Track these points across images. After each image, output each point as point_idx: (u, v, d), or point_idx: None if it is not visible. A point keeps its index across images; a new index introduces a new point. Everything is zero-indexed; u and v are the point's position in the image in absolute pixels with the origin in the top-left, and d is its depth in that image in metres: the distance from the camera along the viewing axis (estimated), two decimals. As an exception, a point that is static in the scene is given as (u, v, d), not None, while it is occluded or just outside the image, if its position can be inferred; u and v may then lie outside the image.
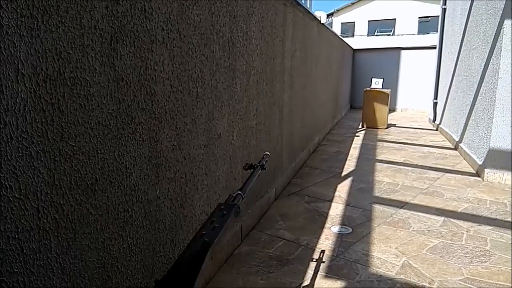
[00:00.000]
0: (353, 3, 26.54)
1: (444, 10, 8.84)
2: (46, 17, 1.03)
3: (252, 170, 1.14)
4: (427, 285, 2.30)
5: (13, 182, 0.99)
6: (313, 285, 2.28)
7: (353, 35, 26.10)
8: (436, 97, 9.00)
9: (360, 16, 26.07)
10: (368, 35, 26.07)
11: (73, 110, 1.16)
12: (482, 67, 5.14)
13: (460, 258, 2.62)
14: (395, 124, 9.41)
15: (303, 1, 4.62)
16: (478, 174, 4.78)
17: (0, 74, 0.92)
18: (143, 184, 1.56)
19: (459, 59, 6.84)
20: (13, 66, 0.96)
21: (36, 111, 1.03)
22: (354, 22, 26.42)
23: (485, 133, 4.74)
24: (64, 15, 1.09)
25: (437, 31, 9.33)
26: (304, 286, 2.27)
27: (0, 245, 0.97)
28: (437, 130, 8.46)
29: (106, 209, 1.35)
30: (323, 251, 2.69)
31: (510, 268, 2.49)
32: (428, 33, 22.42)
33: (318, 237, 2.93)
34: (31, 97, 1.01)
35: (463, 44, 6.59)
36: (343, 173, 4.82)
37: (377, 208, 3.57)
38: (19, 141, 0.99)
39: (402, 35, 24.30)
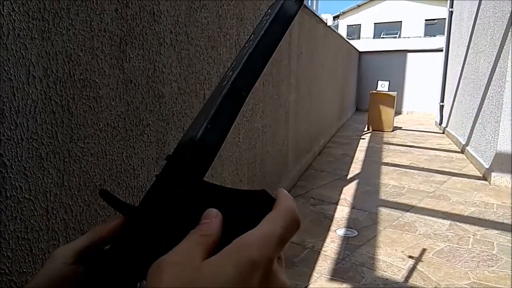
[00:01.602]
0: (359, 6, 26.50)
1: (451, 13, 8.80)
2: (57, 20, 1.05)
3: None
4: (434, 289, 2.29)
5: (23, 183, 1.00)
6: (319, 288, 2.28)
7: (359, 38, 26.05)
8: (442, 100, 8.95)
9: (366, 19, 26.01)
10: (374, 37, 26.01)
11: (82, 112, 1.17)
12: (490, 70, 5.11)
13: (466, 262, 2.61)
14: (401, 127, 9.37)
15: (309, 4, 4.63)
16: (484, 177, 4.75)
17: (12, 76, 0.94)
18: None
19: (466, 62, 6.81)
20: (25, 68, 0.97)
21: (46, 112, 1.04)
22: (360, 24, 26.37)
23: (492, 137, 4.71)
24: (75, 18, 1.11)
25: (443, 33, 9.30)
26: (309, 289, 2.27)
27: (10, 245, 0.98)
28: (443, 133, 8.42)
29: (113, 210, 1.36)
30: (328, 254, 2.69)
31: (518, 273, 2.47)
32: (434, 36, 22.33)
33: (324, 240, 2.93)
34: (41, 99, 1.02)
35: (470, 47, 6.55)
36: (349, 176, 4.81)
37: (383, 211, 3.56)
38: (29, 142, 1.00)
39: (409, 37, 24.20)
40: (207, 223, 0.28)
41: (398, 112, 11.97)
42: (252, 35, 0.46)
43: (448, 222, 3.31)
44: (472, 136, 5.77)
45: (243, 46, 0.46)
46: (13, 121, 0.95)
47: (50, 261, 0.35)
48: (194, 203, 0.34)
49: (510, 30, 4.33)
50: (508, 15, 4.44)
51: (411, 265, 2.55)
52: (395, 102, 8.57)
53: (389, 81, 8.94)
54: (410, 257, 2.65)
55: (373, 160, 5.69)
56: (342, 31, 25.59)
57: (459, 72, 7.34)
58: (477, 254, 2.72)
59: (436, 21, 23.09)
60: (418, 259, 2.61)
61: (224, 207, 0.32)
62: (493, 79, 4.93)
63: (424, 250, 2.76)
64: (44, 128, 1.04)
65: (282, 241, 0.27)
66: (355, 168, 5.22)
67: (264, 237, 0.26)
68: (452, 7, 8.78)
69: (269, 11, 0.46)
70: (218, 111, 0.39)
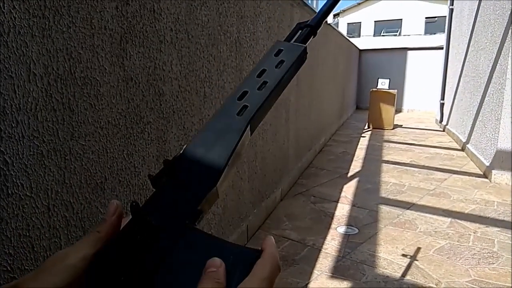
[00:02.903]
0: (359, 4, 26.46)
1: (451, 11, 8.79)
2: (57, 17, 1.05)
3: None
4: (434, 286, 2.29)
5: (25, 181, 1.00)
6: (320, 285, 2.28)
7: (359, 36, 26.02)
8: (443, 97, 8.95)
9: (366, 17, 25.98)
10: (374, 35, 25.98)
11: (83, 110, 1.17)
12: (490, 67, 5.10)
13: (467, 259, 2.61)
14: (402, 125, 9.37)
15: (309, 2, 4.63)
16: (485, 175, 4.75)
17: (12, 73, 0.94)
18: (151, 183, 1.56)
19: (467, 60, 6.80)
20: (25, 66, 0.97)
21: (47, 110, 1.04)
22: (360, 22, 26.33)
23: (492, 134, 4.71)
24: (75, 16, 1.11)
25: (444, 31, 9.29)
26: (310, 287, 2.28)
27: (12, 242, 0.98)
28: (444, 131, 8.41)
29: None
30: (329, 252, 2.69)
31: (518, 270, 2.48)
32: (435, 34, 22.29)
33: (324, 238, 2.93)
34: (42, 96, 1.02)
35: (471, 44, 6.55)
36: (349, 174, 4.81)
37: (384, 209, 3.56)
38: (30, 140, 1.00)
39: (409, 35, 24.17)
40: (215, 271, 0.32)
41: (398, 110, 11.97)
42: (265, 69, 0.50)
43: (449, 219, 3.31)
44: (473, 134, 5.77)
45: (253, 75, 0.50)
46: (14, 119, 0.95)
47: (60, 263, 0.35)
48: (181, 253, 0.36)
49: (511, 27, 4.32)
50: (509, 13, 4.43)
51: (412, 263, 2.55)
52: (395, 100, 8.56)
53: (390, 79, 8.93)
54: (403, 255, 2.66)
55: (374, 158, 5.69)
56: (343, 29, 25.57)
57: (460, 70, 7.33)
58: (478, 251, 2.73)
59: (436, 19, 23.05)
60: (413, 258, 2.62)
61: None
62: (493, 76, 4.93)
63: (419, 248, 2.77)
64: (45, 126, 1.04)
65: (271, 283, 0.33)
66: (356, 166, 5.22)
67: (260, 280, 0.32)
68: (452, 5, 8.76)
69: (283, 50, 0.52)
70: (228, 162, 0.42)
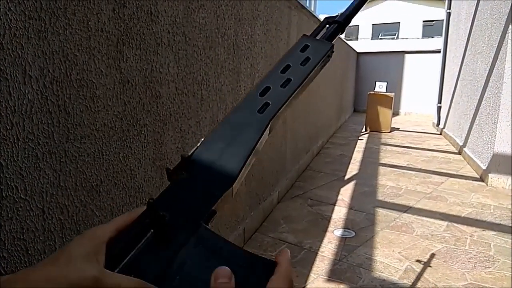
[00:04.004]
0: (357, 7, 26.48)
1: (448, 14, 8.82)
2: (53, 19, 1.04)
3: None
4: (431, 290, 2.29)
5: (19, 183, 0.99)
6: (316, 288, 2.28)
7: (357, 39, 26.08)
8: (440, 101, 8.97)
9: (364, 20, 26.05)
10: (372, 38, 26.05)
11: (79, 112, 1.16)
12: (487, 71, 5.12)
13: (463, 263, 2.61)
14: (399, 128, 9.39)
15: (307, 4, 4.64)
16: (482, 179, 4.76)
17: (8, 75, 0.93)
18: (148, 186, 1.56)
19: (464, 63, 6.83)
20: (21, 68, 0.96)
21: (42, 112, 1.04)
22: (358, 25, 26.41)
23: (489, 138, 4.72)
24: (72, 18, 1.10)
25: (441, 35, 9.32)
26: (306, 290, 2.27)
27: (6, 245, 0.98)
28: (441, 134, 8.44)
29: (110, 210, 1.36)
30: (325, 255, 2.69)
31: (514, 274, 2.48)
32: (432, 37, 22.38)
33: (321, 241, 2.93)
34: (38, 98, 1.02)
35: (468, 48, 6.57)
36: (347, 177, 4.81)
37: (381, 212, 3.56)
38: (25, 142, 1.00)
39: (407, 38, 24.26)
40: (227, 283, 0.32)
41: (395, 113, 12.01)
42: (290, 64, 0.48)
43: (446, 223, 3.32)
44: (470, 137, 5.79)
45: (277, 70, 0.48)
46: (9, 121, 0.95)
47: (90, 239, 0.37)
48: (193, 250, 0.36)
49: (508, 31, 4.34)
50: (506, 17, 4.45)
51: (408, 266, 2.55)
52: (392, 103, 8.58)
53: (387, 82, 8.96)
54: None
55: (371, 161, 5.70)
56: (340, 32, 25.56)
57: (457, 74, 7.35)
58: (474, 255, 2.73)
59: (434, 22, 23.16)
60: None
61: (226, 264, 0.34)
62: (490, 80, 4.95)
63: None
64: (40, 128, 1.04)
65: None
66: (353, 169, 5.22)
67: None
68: (450, 9, 8.80)
69: (309, 46, 0.50)
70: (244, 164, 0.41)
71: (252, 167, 0.43)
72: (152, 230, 0.37)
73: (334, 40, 0.53)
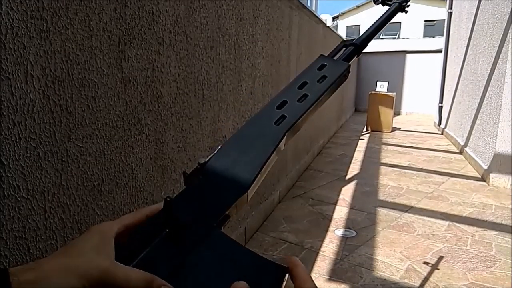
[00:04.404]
0: (358, 6, 26.51)
1: (450, 14, 8.81)
2: (55, 19, 1.05)
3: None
4: (432, 289, 2.29)
5: (21, 182, 1.00)
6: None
7: (358, 38, 25.99)
8: (441, 101, 8.96)
9: (365, 19, 25.99)
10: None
11: (80, 111, 1.17)
12: (488, 71, 5.11)
13: (465, 263, 2.61)
14: (400, 128, 9.38)
15: (308, 4, 4.64)
16: (483, 178, 4.75)
17: (10, 75, 0.93)
18: (149, 185, 1.56)
19: (465, 63, 6.82)
20: (23, 67, 0.97)
21: (44, 112, 1.04)
22: (359, 25, 26.37)
23: (490, 138, 4.71)
24: (73, 17, 1.10)
25: (443, 34, 9.31)
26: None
27: (8, 244, 0.98)
28: (442, 134, 8.43)
29: (112, 209, 1.36)
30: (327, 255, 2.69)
31: (516, 273, 2.48)
32: (433, 37, 22.34)
33: (322, 240, 2.93)
34: (39, 98, 1.02)
35: (469, 48, 6.56)
36: (348, 176, 4.81)
37: (382, 211, 3.56)
38: (27, 141, 1.00)
39: (408, 38, 24.21)
40: None
41: (397, 113, 11.98)
42: (306, 81, 0.50)
43: (447, 223, 3.32)
44: (471, 137, 5.78)
45: (294, 86, 0.50)
46: (11, 120, 0.95)
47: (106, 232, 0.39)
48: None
49: (509, 31, 4.34)
50: (507, 16, 4.44)
51: (409, 266, 2.55)
52: (394, 103, 8.57)
53: (388, 82, 8.94)
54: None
55: (372, 161, 5.69)
56: (342, 32, 25.60)
57: (458, 73, 7.34)
58: (476, 255, 2.73)
59: (435, 22, 23.12)
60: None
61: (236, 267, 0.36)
62: (492, 80, 4.94)
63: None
64: (42, 127, 1.04)
65: None
66: (354, 168, 5.22)
67: None
68: (451, 8, 8.79)
69: (326, 66, 0.52)
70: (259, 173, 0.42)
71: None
72: (166, 230, 0.37)
73: (351, 61, 0.56)
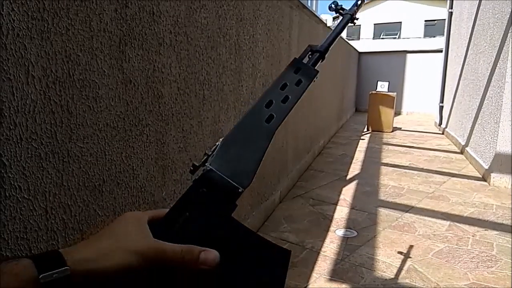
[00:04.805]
0: (359, 6, 26.44)
1: (450, 14, 8.81)
2: (56, 19, 1.05)
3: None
4: (433, 289, 2.29)
5: (22, 183, 1.00)
6: (318, 288, 2.28)
7: (358, 38, 26.05)
8: (442, 100, 8.96)
9: (366, 19, 26.01)
10: (374, 38, 26.02)
11: (81, 112, 1.17)
12: (489, 71, 5.11)
13: (466, 263, 2.61)
14: (401, 128, 9.37)
15: (309, 4, 4.63)
16: (484, 178, 4.75)
17: (11, 76, 0.94)
18: (150, 185, 1.57)
19: (466, 63, 6.81)
20: (24, 68, 0.97)
21: (45, 112, 1.04)
22: (360, 25, 26.37)
23: (491, 137, 4.71)
24: (74, 18, 1.11)
25: (443, 34, 9.31)
26: (308, 289, 2.27)
27: (9, 244, 0.98)
28: (443, 133, 8.42)
29: (113, 210, 1.36)
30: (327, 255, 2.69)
31: (517, 273, 2.47)
32: (434, 37, 22.36)
33: (323, 240, 2.93)
34: (40, 98, 1.02)
35: (470, 47, 6.56)
36: (348, 176, 4.81)
37: (383, 211, 3.56)
38: (28, 142, 1.00)
39: (408, 38, 24.22)
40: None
41: (397, 113, 11.98)
42: (287, 83, 0.57)
43: (448, 222, 3.31)
44: (472, 137, 5.78)
45: (276, 86, 0.57)
46: (12, 121, 0.95)
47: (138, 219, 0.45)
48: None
49: (510, 30, 4.33)
50: (508, 16, 4.44)
51: (410, 266, 2.55)
52: (394, 102, 8.57)
53: (389, 81, 8.94)
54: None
55: (373, 161, 5.69)
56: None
57: (459, 73, 7.34)
58: (477, 255, 2.73)
59: (435, 22, 23.12)
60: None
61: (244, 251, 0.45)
62: (492, 80, 4.94)
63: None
64: (43, 128, 1.04)
65: None
66: (355, 168, 5.22)
67: None
68: (451, 8, 8.79)
69: (301, 69, 0.60)
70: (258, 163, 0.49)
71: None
72: (187, 213, 0.45)
73: (317, 66, 0.63)
